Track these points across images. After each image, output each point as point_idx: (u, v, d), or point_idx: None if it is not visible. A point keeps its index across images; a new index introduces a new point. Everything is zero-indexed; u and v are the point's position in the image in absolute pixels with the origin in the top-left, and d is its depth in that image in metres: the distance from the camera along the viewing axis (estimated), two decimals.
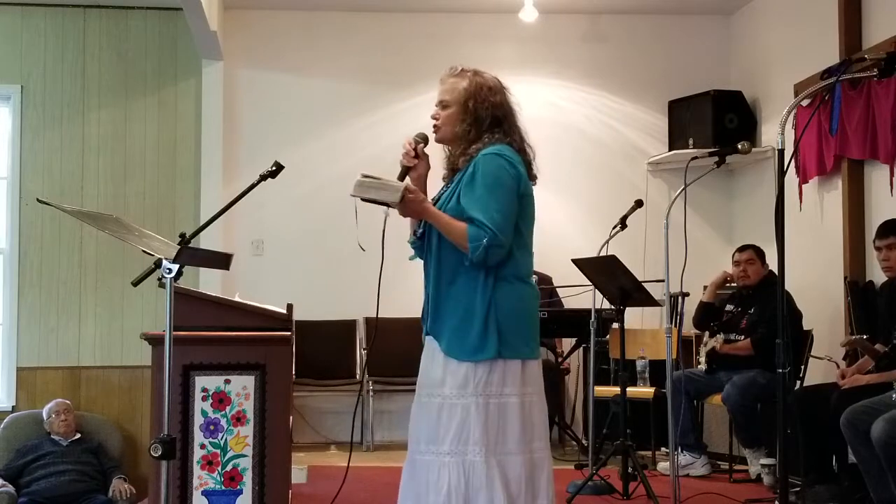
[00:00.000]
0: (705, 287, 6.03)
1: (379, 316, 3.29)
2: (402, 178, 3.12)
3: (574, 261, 5.40)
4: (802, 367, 5.67)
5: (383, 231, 3.07)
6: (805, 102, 5.94)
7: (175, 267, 2.91)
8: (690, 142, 7.20)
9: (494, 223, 2.95)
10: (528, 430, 3.04)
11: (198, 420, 3.72)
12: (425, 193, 3.16)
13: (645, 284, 5.16)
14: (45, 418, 6.43)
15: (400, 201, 2.97)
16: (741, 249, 5.92)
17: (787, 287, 3.37)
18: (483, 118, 3.11)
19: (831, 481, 4.89)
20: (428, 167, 3.20)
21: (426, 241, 3.15)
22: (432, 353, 3.10)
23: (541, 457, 3.07)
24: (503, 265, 3.03)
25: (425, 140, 3.19)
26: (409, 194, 2.99)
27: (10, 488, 6.10)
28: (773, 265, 5.52)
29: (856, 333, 5.39)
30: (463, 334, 3.01)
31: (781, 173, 3.27)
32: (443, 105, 3.18)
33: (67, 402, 6.56)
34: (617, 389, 5.27)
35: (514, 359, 3.02)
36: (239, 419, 3.75)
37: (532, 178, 3.15)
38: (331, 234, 7.05)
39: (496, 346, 2.99)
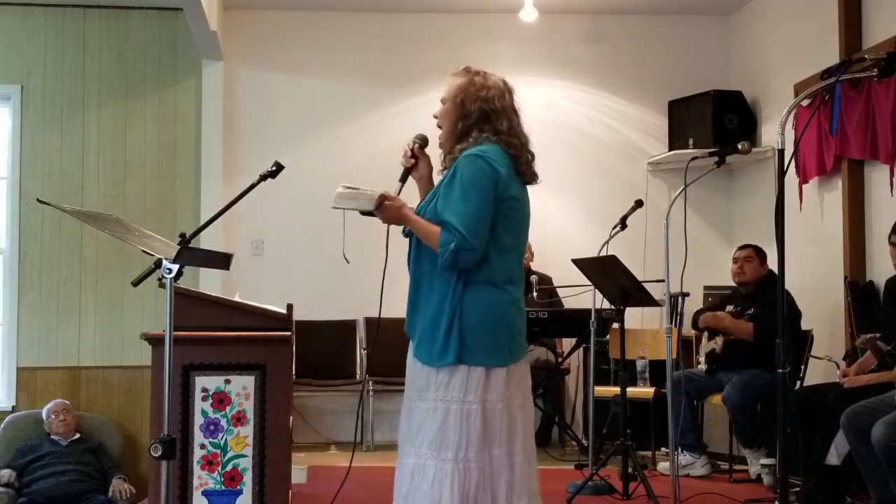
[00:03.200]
0: (705, 287, 6.02)
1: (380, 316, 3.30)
2: (403, 178, 3.16)
3: (574, 261, 5.40)
4: (802, 367, 5.66)
5: (388, 231, 3.10)
6: (805, 102, 5.94)
7: (175, 267, 2.91)
8: (690, 142, 7.20)
9: (465, 226, 2.90)
10: (487, 436, 2.96)
11: (198, 420, 3.72)
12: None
13: (645, 284, 5.16)
14: (44, 418, 6.43)
15: (376, 209, 2.99)
16: (742, 247, 5.92)
17: (786, 287, 3.36)
18: (471, 112, 3.07)
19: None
20: (430, 167, 3.20)
21: (409, 244, 3.13)
22: (410, 354, 3.10)
23: (499, 465, 2.99)
24: (476, 269, 2.97)
25: (424, 141, 3.20)
26: (387, 202, 2.99)
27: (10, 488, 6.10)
28: (773, 265, 5.52)
29: (856, 333, 5.38)
30: (430, 339, 2.98)
31: (781, 173, 3.26)
32: (442, 102, 3.17)
33: (66, 402, 6.56)
34: (617, 389, 5.27)
35: (477, 366, 2.96)
36: (239, 419, 3.75)
37: (530, 181, 3.11)
38: (331, 234, 7.00)
39: (456, 352, 2.94)
